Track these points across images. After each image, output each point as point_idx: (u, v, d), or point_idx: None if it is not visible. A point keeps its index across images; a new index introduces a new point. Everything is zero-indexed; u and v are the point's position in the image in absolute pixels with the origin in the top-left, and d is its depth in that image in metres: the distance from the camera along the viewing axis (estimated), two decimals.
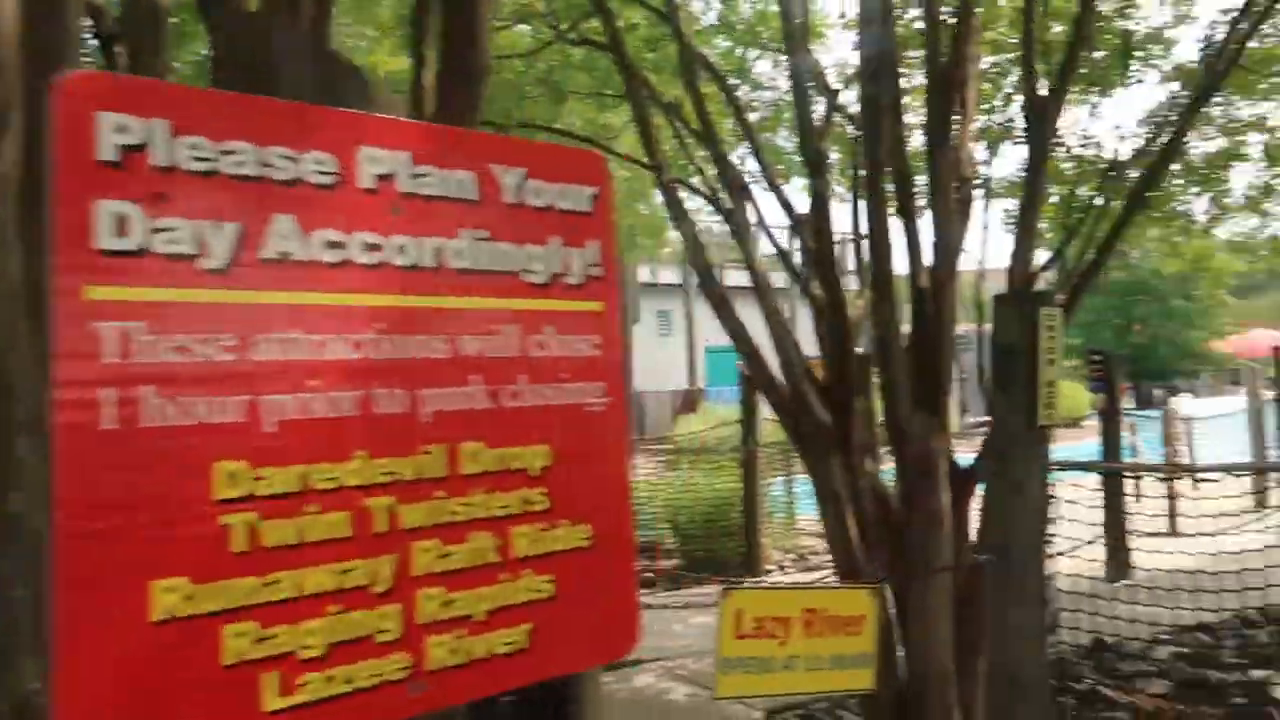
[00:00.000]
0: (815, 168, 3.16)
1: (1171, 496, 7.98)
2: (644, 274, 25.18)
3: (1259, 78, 5.71)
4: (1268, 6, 3.92)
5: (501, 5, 5.48)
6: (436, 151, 1.48)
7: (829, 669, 2.09)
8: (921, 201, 3.27)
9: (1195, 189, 7.08)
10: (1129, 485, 7.74)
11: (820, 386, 3.05)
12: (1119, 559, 6.54)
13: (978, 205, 3.94)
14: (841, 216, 4.77)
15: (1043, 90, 3.53)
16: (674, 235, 27.80)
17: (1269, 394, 11.41)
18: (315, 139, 1.36)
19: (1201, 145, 6.62)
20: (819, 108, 3.87)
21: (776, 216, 3.73)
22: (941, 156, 3.02)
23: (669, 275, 25.97)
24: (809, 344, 3.17)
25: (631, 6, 5.31)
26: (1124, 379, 11.83)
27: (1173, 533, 7.51)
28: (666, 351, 26.09)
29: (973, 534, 3.08)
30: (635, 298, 24.25)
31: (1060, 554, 5.68)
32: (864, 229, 2.97)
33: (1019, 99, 4.78)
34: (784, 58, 5.76)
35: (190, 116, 1.25)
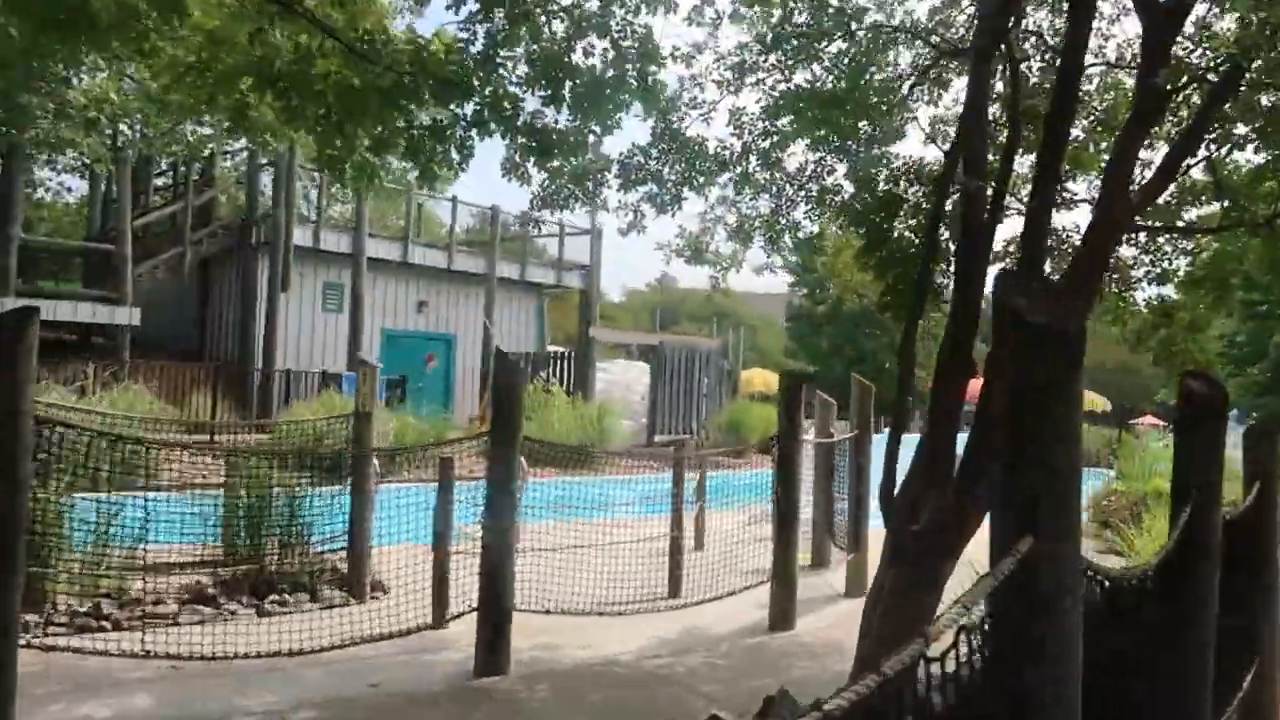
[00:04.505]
0: None
1: None
2: (303, 237, 21.24)
3: None
4: None
5: None
6: None
7: None
8: None
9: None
10: None
11: None
12: None
13: None
14: None
15: None
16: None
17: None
18: None
19: None
20: None
21: None
22: None
23: (339, 242, 22.09)
24: None
25: None
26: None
27: None
28: (331, 329, 22.17)
29: None
30: (284, 261, 20.10)
31: None
32: None
33: None
34: None
35: None
